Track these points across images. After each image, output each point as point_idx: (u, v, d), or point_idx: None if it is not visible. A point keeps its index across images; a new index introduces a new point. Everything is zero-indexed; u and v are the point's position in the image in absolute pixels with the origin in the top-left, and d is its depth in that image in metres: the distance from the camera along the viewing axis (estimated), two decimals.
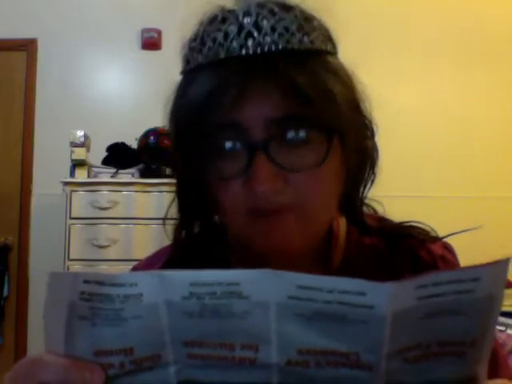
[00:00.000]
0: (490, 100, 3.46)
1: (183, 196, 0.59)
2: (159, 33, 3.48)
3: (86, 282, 0.35)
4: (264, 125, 0.49)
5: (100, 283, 0.35)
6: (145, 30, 3.48)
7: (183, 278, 0.35)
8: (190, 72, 0.53)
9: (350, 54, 0.57)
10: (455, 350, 0.35)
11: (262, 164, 0.49)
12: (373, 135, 0.58)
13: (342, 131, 0.51)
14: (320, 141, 0.50)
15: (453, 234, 0.60)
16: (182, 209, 0.59)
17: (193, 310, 0.35)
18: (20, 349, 3.29)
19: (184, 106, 0.53)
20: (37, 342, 3.15)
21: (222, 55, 0.50)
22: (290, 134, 0.50)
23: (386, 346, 0.33)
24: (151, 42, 3.47)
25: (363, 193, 0.60)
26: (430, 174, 3.36)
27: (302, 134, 0.50)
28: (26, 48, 3.43)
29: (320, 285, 0.33)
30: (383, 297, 0.32)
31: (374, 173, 0.59)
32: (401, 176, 3.18)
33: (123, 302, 0.35)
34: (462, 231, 0.59)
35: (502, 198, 3.39)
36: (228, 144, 0.51)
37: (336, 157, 0.52)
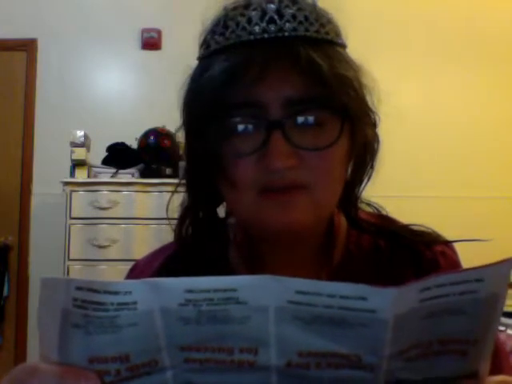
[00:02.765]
0: (491, 99, 3.46)
1: (194, 181, 0.59)
2: (159, 33, 3.48)
3: (78, 288, 0.34)
4: (282, 104, 0.52)
5: (93, 291, 0.34)
6: (145, 30, 3.48)
7: (178, 285, 0.34)
8: (209, 55, 0.55)
9: (350, 52, 0.58)
10: (457, 348, 0.35)
11: (278, 141, 0.51)
12: (375, 125, 0.59)
13: (353, 117, 0.53)
14: (333, 123, 0.53)
15: (461, 240, 0.61)
16: (191, 195, 0.60)
17: (189, 317, 0.35)
18: (20, 349, 3.29)
19: (206, 84, 0.54)
20: (37, 342, 3.14)
21: (245, 38, 0.52)
22: (307, 115, 0.52)
23: (388, 347, 0.33)
24: (151, 42, 3.47)
25: (359, 188, 0.60)
26: (430, 174, 3.35)
27: (317, 114, 0.52)
28: (26, 48, 3.43)
29: (319, 290, 0.32)
30: (385, 301, 0.32)
31: (372, 166, 0.59)
32: (401, 176, 3.18)
33: (118, 309, 0.35)
34: (469, 240, 0.59)
35: (503, 198, 3.39)
36: (247, 121, 0.53)
37: (345, 143, 0.54)
